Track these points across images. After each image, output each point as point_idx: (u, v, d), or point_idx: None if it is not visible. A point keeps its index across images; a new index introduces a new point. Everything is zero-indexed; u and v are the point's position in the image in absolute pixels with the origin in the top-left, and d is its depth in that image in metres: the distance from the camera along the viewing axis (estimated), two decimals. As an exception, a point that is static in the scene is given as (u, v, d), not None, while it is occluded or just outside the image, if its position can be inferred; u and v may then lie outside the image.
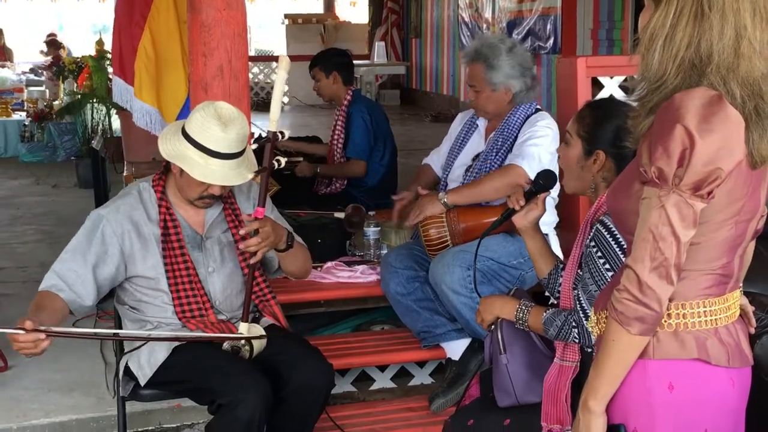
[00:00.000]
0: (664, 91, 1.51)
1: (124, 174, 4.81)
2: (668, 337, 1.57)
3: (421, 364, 3.66)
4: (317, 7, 15.07)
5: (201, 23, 3.19)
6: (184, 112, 3.70)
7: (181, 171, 2.61)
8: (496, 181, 3.17)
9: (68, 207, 7.12)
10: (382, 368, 3.64)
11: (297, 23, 13.17)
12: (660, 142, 1.48)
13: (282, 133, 2.69)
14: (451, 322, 3.24)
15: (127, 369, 2.72)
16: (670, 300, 1.55)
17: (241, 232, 2.60)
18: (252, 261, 2.62)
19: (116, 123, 7.94)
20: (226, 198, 2.77)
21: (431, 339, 3.29)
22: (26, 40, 14.38)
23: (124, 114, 4.88)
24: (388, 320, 3.94)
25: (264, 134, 2.82)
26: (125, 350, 2.75)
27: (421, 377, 3.68)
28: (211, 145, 2.55)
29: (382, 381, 3.64)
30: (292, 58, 11.01)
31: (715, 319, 1.59)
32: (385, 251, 3.76)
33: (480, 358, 3.16)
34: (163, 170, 2.76)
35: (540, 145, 3.16)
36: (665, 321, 1.56)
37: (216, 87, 3.22)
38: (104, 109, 8.01)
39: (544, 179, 2.39)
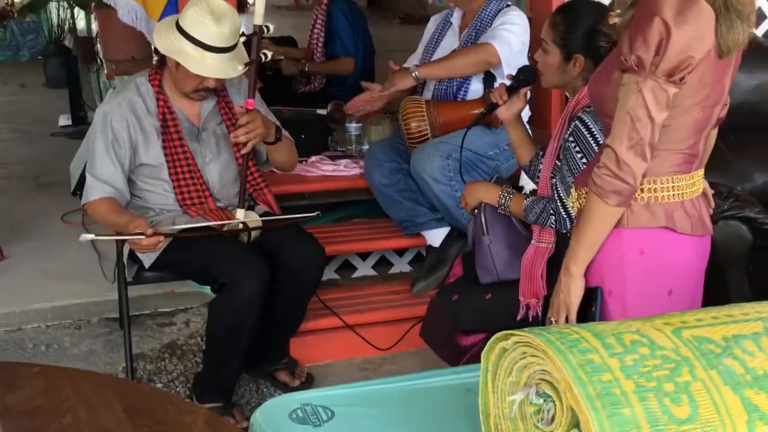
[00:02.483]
0: (645, -14, 1.68)
1: (105, 72, 4.85)
2: (641, 208, 1.78)
3: (400, 252, 3.88)
4: None
5: None
6: (168, 8, 3.73)
7: (177, 65, 2.72)
8: (468, 57, 3.33)
9: (40, 107, 7.13)
10: (364, 257, 3.86)
11: None
12: (639, 33, 1.65)
13: (267, 26, 2.80)
14: (432, 211, 3.44)
15: (130, 253, 2.89)
16: (643, 176, 1.75)
17: (237, 123, 2.74)
18: (243, 151, 2.77)
19: (81, 23, 7.85)
20: (219, 91, 2.90)
21: (413, 227, 3.50)
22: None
23: (101, 11, 4.88)
24: (364, 215, 4.13)
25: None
26: (128, 236, 2.91)
27: (401, 265, 3.91)
28: (206, 39, 2.66)
29: (364, 269, 3.86)
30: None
31: (682, 194, 1.80)
32: (365, 146, 3.93)
33: (459, 245, 3.38)
34: (158, 65, 2.87)
35: (513, 32, 3.31)
36: (638, 194, 1.77)
37: (205, -17, 3.27)
38: (70, 6, 7.91)
39: (525, 75, 2.55)
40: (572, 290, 1.84)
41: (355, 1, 4.79)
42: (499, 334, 1.26)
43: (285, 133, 2.98)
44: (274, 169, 3.26)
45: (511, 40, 3.27)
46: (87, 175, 2.80)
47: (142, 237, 2.54)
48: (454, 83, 3.42)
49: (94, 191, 2.76)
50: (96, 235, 2.53)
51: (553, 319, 1.89)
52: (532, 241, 2.49)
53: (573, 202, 1.94)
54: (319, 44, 4.60)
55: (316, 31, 4.62)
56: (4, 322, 3.36)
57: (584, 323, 1.40)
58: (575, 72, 2.42)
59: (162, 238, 2.59)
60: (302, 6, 9.88)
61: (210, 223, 2.75)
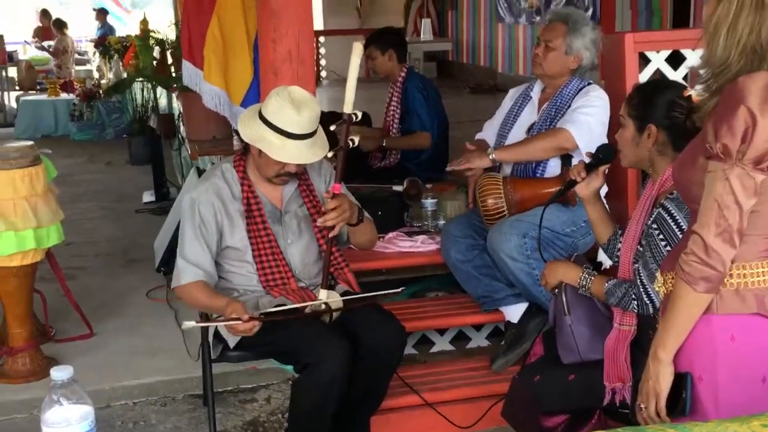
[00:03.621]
0: (728, 74, 1.70)
1: (188, 152, 5.04)
2: (730, 294, 1.76)
3: (477, 327, 3.88)
4: (353, -19, 15.14)
5: (270, 10, 3.39)
6: (250, 94, 3.91)
7: (260, 152, 2.83)
8: (545, 142, 3.36)
9: (125, 184, 7.40)
10: (441, 332, 3.87)
11: (333, -3, 13.29)
12: (725, 121, 1.66)
13: (356, 114, 2.90)
14: (510, 287, 3.43)
15: (215, 333, 2.96)
16: (732, 261, 1.74)
17: (324, 208, 2.82)
18: (332, 234, 2.83)
19: (162, 101, 8.19)
20: (300, 175, 2.99)
21: (491, 303, 3.50)
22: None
23: (185, 95, 5.09)
24: (441, 288, 4.15)
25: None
26: (214, 316, 2.99)
27: (478, 340, 3.90)
28: (287, 127, 2.77)
29: (442, 344, 3.87)
30: (329, 32, 11.28)
31: (772, 278, 1.78)
32: (441, 222, 3.97)
33: (537, 321, 3.36)
34: (243, 151, 2.99)
35: (591, 115, 3.34)
36: (728, 280, 1.76)
37: (285, 71, 3.43)
38: (152, 87, 8.25)
39: (604, 153, 2.58)
40: (661, 377, 1.82)
41: (426, 76, 4.91)
42: (594, 432, 1.26)
43: (366, 214, 3.04)
44: (353, 247, 3.31)
45: (590, 124, 3.30)
46: (177, 258, 2.89)
47: (239, 322, 2.63)
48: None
49: (185, 275, 2.86)
50: (197, 321, 2.64)
51: (642, 406, 1.87)
52: (614, 324, 2.48)
53: (659, 287, 1.93)
54: (395, 121, 4.71)
55: (391, 108, 4.73)
56: (93, 399, 3.39)
57: (679, 423, 1.39)
58: (649, 143, 2.43)
59: (258, 323, 2.66)
60: (372, 78, 10.11)
61: (296, 305, 2.81)
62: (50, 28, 13.48)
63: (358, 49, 2.79)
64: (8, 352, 3.50)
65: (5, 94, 12.17)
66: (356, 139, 2.86)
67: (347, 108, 2.83)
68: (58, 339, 3.90)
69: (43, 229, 3.39)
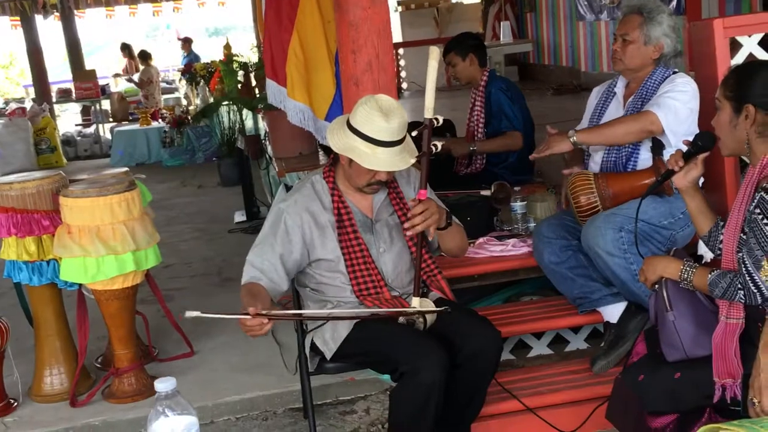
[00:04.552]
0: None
1: (276, 170, 5.12)
2: None
3: (575, 329, 3.80)
4: (429, -9, 15.17)
5: (348, 22, 3.41)
6: (334, 107, 3.95)
7: (350, 161, 2.84)
8: (629, 126, 3.28)
9: (216, 205, 7.59)
10: (538, 336, 3.80)
11: (410, 9, 13.35)
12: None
13: (437, 119, 2.89)
14: (607, 286, 3.34)
15: (312, 346, 2.98)
16: None
17: (409, 214, 2.81)
18: (430, 237, 2.82)
19: (248, 122, 8.37)
20: (389, 183, 2.99)
21: (588, 304, 3.41)
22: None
23: (270, 114, 5.19)
24: (536, 291, 4.08)
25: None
26: (308, 329, 3.01)
27: (577, 342, 3.81)
28: (377, 135, 2.77)
29: (539, 348, 3.80)
30: (407, 44, 11.28)
31: None
32: (532, 224, 3.91)
33: (638, 319, 3.26)
34: (332, 162, 3.01)
35: (678, 99, 3.25)
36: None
37: (366, 81, 3.43)
38: (238, 109, 8.44)
39: (703, 140, 2.49)
40: (775, 369, 1.73)
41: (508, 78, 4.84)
42: (706, 427, 1.20)
43: (454, 219, 3.02)
44: (444, 254, 3.29)
45: (676, 107, 3.21)
46: (247, 259, 2.90)
47: (247, 317, 2.52)
48: (623, 154, 3.37)
49: (245, 275, 2.89)
50: (202, 312, 2.44)
51: (755, 401, 1.79)
52: (721, 318, 2.38)
53: (766, 275, 1.84)
54: (480, 125, 4.66)
55: (475, 112, 4.69)
56: (199, 416, 3.50)
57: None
58: (747, 124, 2.34)
59: (267, 320, 2.54)
60: (454, 86, 10.06)
61: (378, 310, 2.80)
62: (131, 60, 13.97)
63: (434, 53, 2.77)
64: (114, 373, 3.62)
65: (101, 126, 12.66)
66: (439, 145, 2.84)
67: (428, 113, 2.81)
68: (161, 359, 4.01)
69: (142, 252, 3.49)
